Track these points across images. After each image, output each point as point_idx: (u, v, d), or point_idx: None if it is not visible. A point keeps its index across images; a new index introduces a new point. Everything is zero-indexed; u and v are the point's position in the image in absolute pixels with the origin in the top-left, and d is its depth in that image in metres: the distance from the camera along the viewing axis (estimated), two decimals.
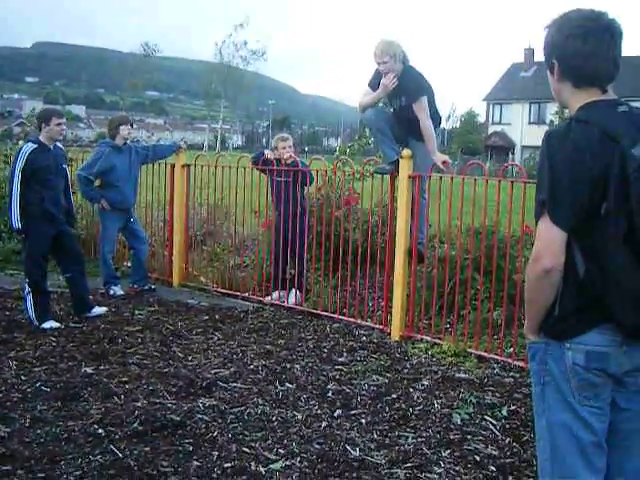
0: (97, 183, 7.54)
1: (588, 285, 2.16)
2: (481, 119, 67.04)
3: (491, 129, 58.51)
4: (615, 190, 2.07)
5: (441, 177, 6.04)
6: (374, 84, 6.21)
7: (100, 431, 4.04)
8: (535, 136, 52.50)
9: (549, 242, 2.16)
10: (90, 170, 7.39)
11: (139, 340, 5.88)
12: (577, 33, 2.21)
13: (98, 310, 6.59)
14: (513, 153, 54.70)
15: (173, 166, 8.24)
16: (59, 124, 6.29)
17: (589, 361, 2.19)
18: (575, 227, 2.14)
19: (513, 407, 4.53)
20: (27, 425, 4.10)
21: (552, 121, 50.82)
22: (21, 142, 6.80)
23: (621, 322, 2.12)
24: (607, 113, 2.20)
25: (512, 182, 5.55)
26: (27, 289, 6.23)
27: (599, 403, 2.24)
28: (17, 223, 6.07)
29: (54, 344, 5.72)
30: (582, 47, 2.20)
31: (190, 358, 5.43)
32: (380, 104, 6.50)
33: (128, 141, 7.73)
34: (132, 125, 7.79)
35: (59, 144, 6.56)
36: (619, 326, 2.14)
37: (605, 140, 2.10)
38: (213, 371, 5.12)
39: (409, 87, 5.99)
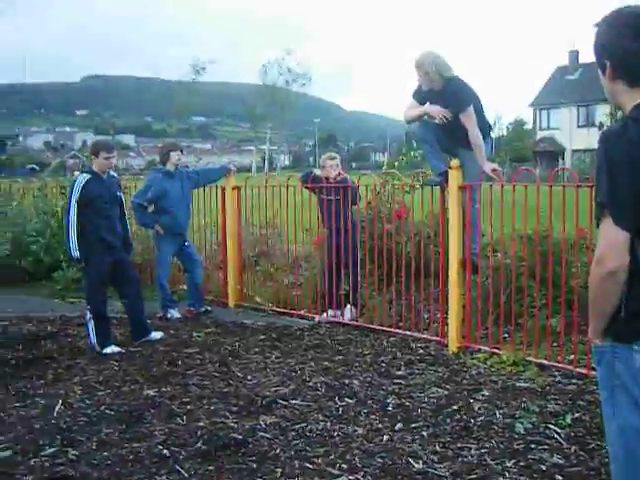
0: (150, 209, 7.70)
1: None
2: (528, 125, 66.25)
3: (539, 135, 57.72)
4: None
5: (491, 185, 6.00)
6: (419, 96, 6.21)
7: (165, 452, 4.10)
8: (585, 139, 51.76)
9: (612, 243, 2.12)
10: (144, 197, 7.56)
11: (198, 361, 5.96)
12: (628, 32, 2.19)
13: (156, 335, 6.70)
14: (563, 158, 53.86)
15: (224, 189, 8.36)
16: (107, 158, 6.44)
17: None
18: (637, 226, 2.10)
19: (577, 415, 4.45)
20: (94, 448, 4.19)
21: (602, 123, 49.98)
22: (76, 173, 6.98)
23: None
24: None
25: (564, 186, 5.49)
26: (88, 315, 6.38)
27: None
28: (75, 252, 6.23)
29: (116, 368, 5.84)
30: (634, 45, 2.18)
31: (249, 377, 5.48)
32: (426, 116, 6.50)
33: (179, 166, 7.88)
34: (182, 151, 7.95)
35: (113, 172, 6.72)
36: None
37: None
38: (272, 389, 5.16)
39: (454, 98, 5.97)
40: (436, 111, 6.02)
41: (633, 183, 2.07)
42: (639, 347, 2.18)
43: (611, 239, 2.12)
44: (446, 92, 5.99)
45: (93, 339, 6.34)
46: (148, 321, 6.93)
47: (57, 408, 4.89)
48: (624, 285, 2.15)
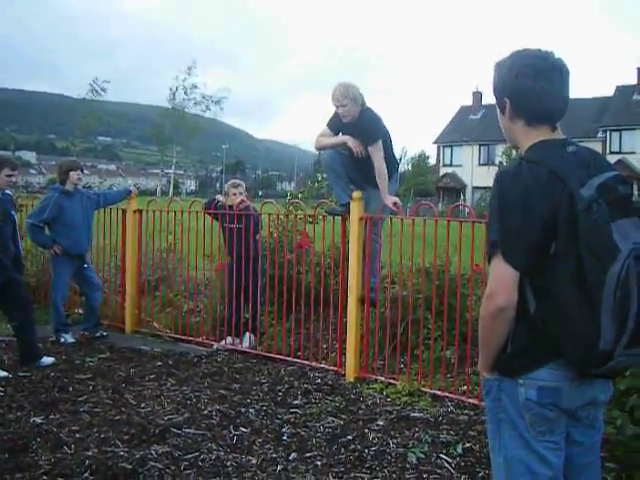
0: (46, 230, 7.46)
1: (539, 323, 2.18)
2: (432, 161, 68.18)
3: (442, 171, 59.49)
4: (564, 230, 2.10)
5: (391, 219, 6.12)
6: (333, 125, 6.29)
7: None
8: (485, 177, 53.72)
9: (502, 281, 2.17)
10: (40, 217, 7.30)
11: (90, 388, 5.77)
12: (528, 72, 2.26)
13: (47, 360, 6.45)
14: (464, 194, 55.60)
15: (125, 211, 8.20)
16: (9, 175, 6.24)
17: (541, 396, 2.21)
18: (526, 265, 2.16)
19: (468, 444, 4.55)
20: None
21: (500, 162, 52.01)
22: None
23: (571, 359, 2.15)
24: (556, 153, 2.23)
25: (461, 222, 5.66)
26: None
27: (554, 437, 2.26)
28: None
29: (1, 394, 5.58)
30: (533, 85, 2.25)
31: (143, 405, 5.35)
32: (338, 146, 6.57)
33: (79, 186, 7.68)
34: (82, 170, 7.74)
35: (8, 190, 6.49)
36: (569, 362, 2.17)
37: (554, 180, 2.13)
38: (166, 417, 5.05)
39: (366, 130, 6.07)
40: (355, 145, 6.10)
41: (524, 224, 2.13)
42: (523, 381, 2.24)
43: (501, 276, 2.18)
44: (359, 123, 6.09)
45: None
46: (39, 345, 6.67)
47: None
48: (512, 321, 2.21)
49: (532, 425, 2.25)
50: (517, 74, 2.28)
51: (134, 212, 8.12)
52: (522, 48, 2.35)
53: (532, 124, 2.32)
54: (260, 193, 77.78)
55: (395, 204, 6.01)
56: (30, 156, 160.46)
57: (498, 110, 2.41)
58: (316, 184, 9.24)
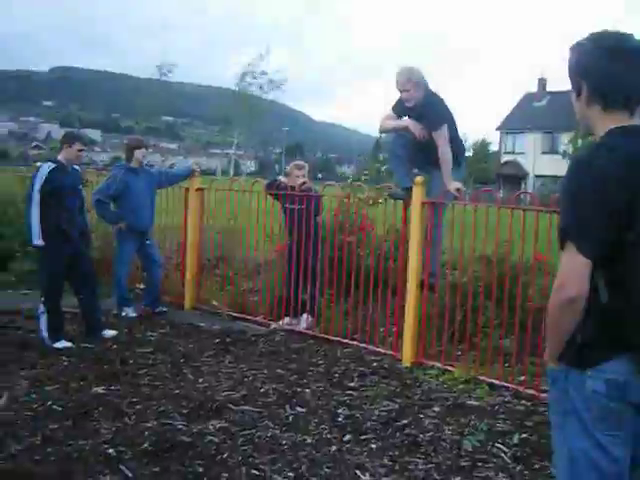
0: (112, 206, 7.61)
1: (611, 314, 2.13)
2: (494, 148, 67.17)
3: (504, 158, 58.57)
4: None
5: (453, 205, 6.05)
6: (398, 109, 6.25)
7: (110, 451, 4.05)
8: (547, 165, 52.65)
9: (573, 271, 2.11)
10: (106, 192, 7.46)
11: (150, 362, 5.90)
12: (607, 54, 2.19)
13: (109, 333, 6.62)
14: (526, 182, 54.68)
15: (187, 190, 8.30)
16: (81, 150, 6.42)
17: (610, 389, 2.16)
18: (599, 255, 2.10)
19: (524, 435, 4.50)
20: (38, 443, 4.12)
21: (565, 151, 50.89)
22: (38, 163, 6.88)
23: None
24: (633, 140, 2.17)
25: (524, 210, 5.57)
26: (42, 308, 6.28)
27: (621, 432, 2.20)
28: (38, 240, 6.13)
29: (66, 364, 5.75)
30: (612, 68, 2.18)
31: (201, 380, 5.44)
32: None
33: (143, 164, 7.81)
34: (147, 148, 7.88)
35: (76, 166, 6.65)
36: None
37: (631, 168, 2.07)
38: (224, 393, 5.13)
39: (430, 115, 6.01)
40: (417, 129, 6.06)
41: (598, 211, 2.07)
42: (592, 373, 2.18)
43: (572, 267, 2.12)
44: (423, 108, 6.03)
45: (44, 333, 6.24)
46: (102, 318, 6.84)
47: (1, 401, 4.79)
48: (582, 312, 2.16)
49: (598, 418, 2.19)
50: (596, 56, 2.21)
51: (196, 190, 8.21)
52: (601, 30, 2.28)
53: (609, 109, 2.23)
54: (319, 175, 77.85)
55: (458, 190, 5.94)
56: (95, 134, 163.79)
57: (573, 94, 2.33)
58: (377, 165, 9.17)
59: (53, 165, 6.27)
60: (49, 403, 4.79)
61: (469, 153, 71.41)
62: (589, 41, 2.27)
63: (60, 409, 4.69)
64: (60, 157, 6.39)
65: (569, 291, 2.12)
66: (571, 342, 2.21)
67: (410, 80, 5.97)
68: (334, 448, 4.24)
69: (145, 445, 4.13)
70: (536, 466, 4.07)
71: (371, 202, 7.26)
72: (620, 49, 2.20)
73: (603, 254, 2.11)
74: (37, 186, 6.15)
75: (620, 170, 2.08)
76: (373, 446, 4.29)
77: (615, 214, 2.07)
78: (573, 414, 2.23)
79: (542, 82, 60.18)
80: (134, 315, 7.53)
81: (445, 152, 5.98)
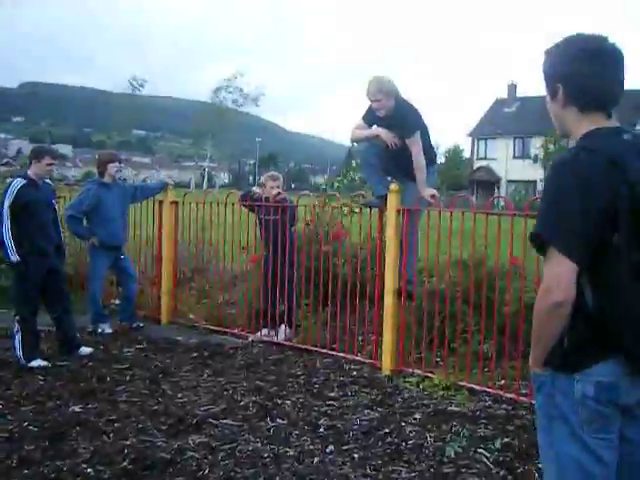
0: (84, 222, 7.54)
1: (597, 317, 2.11)
2: (466, 154, 67.71)
3: (476, 164, 59.02)
4: (626, 222, 2.03)
5: (429, 211, 6.06)
6: (369, 118, 6.25)
7: (89, 470, 3.98)
8: (520, 170, 53.20)
9: (559, 275, 2.08)
10: (78, 208, 7.38)
11: (128, 378, 5.82)
12: (583, 56, 2.19)
13: (85, 350, 6.53)
14: (498, 187, 55.11)
15: (161, 203, 8.24)
16: (50, 164, 6.31)
17: (599, 392, 2.14)
18: (584, 259, 2.08)
19: (506, 439, 4.50)
20: (14, 465, 4.04)
21: (536, 155, 51.42)
22: (8, 179, 6.78)
23: (632, 353, 2.09)
24: (612, 141, 2.16)
25: (499, 215, 5.59)
26: (16, 327, 6.17)
27: (609, 435, 2.19)
28: (15, 256, 6.04)
29: (41, 382, 5.65)
30: (589, 70, 2.18)
31: (180, 395, 5.38)
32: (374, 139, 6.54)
33: (116, 179, 7.74)
34: (120, 162, 7.81)
35: (48, 180, 6.56)
36: (628, 357, 2.11)
37: (612, 169, 2.06)
38: (203, 408, 5.07)
39: (403, 123, 6.02)
40: (389, 137, 6.07)
41: (582, 214, 2.05)
42: (580, 377, 2.16)
43: (558, 271, 2.09)
44: (395, 116, 6.04)
45: (19, 352, 6.13)
46: (77, 335, 6.75)
47: None
48: (568, 316, 2.13)
49: (587, 422, 2.17)
50: (571, 59, 2.21)
51: (171, 203, 8.16)
52: (575, 33, 2.28)
53: (586, 111, 2.23)
54: (293, 186, 77.93)
55: (433, 196, 5.96)
56: (66, 149, 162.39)
57: (548, 97, 2.32)
58: (350, 173, 9.19)
59: (23, 181, 6.19)
60: (25, 423, 4.69)
61: (441, 160, 71.95)
62: (564, 44, 2.27)
63: (36, 429, 4.60)
64: (30, 172, 6.30)
65: (556, 296, 2.09)
66: (557, 346, 2.19)
67: (381, 90, 5.97)
68: (317, 459, 4.20)
69: (124, 463, 4.06)
70: (519, 470, 4.07)
71: (345, 211, 7.25)
72: (595, 51, 2.20)
73: (588, 257, 2.09)
74: (7, 202, 6.06)
75: (602, 172, 2.07)
76: (356, 456, 4.27)
77: (599, 216, 2.06)
78: (560, 418, 2.21)
79: (512, 87, 60.86)
80: (110, 331, 7.44)
81: (419, 160, 6.00)
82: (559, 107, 2.30)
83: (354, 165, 9.06)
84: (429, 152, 6.20)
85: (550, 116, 2.37)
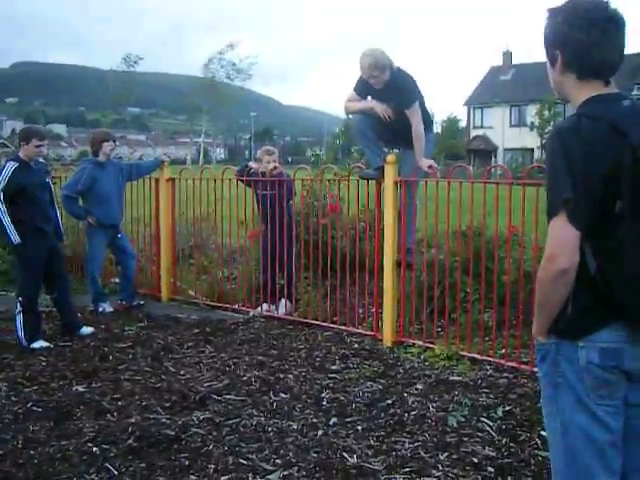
0: (81, 202, 7.51)
1: (601, 284, 2.11)
2: (462, 123, 67.48)
3: (473, 133, 58.84)
4: (629, 188, 2.03)
5: (426, 181, 6.04)
6: (360, 89, 6.18)
7: (94, 449, 4.00)
8: (516, 138, 53.04)
9: (564, 241, 2.07)
10: (74, 188, 7.34)
11: (130, 356, 5.84)
12: (582, 23, 2.15)
13: (86, 330, 6.54)
14: (495, 156, 55.00)
15: (157, 180, 8.21)
16: (38, 146, 6.25)
17: (604, 358, 2.14)
18: (587, 226, 2.08)
19: (508, 408, 4.52)
20: (20, 446, 4.06)
21: (532, 123, 51.26)
22: (2, 161, 6.75)
23: (636, 319, 2.09)
24: (613, 108, 2.15)
25: (497, 184, 5.57)
26: (18, 309, 6.17)
27: (614, 401, 2.18)
28: (16, 238, 6.01)
29: (44, 364, 5.67)
30: (588, 37, 2.15)
31: (182, 372, 5.40)
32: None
33: (111, 157, 7.70)
34: (115, 141, 7.76)
35: (41, 159, 6.52)
36: (631, 323, 2.11)
37: (615, 136, 2.05)
38: (206, 384, 5.10)
39: (399, 93, 5.95)
40: (382, 109, 6.01)
41: (587, 180, 2.04)
42: (585, 344, 2.16)
43: (563, 237, 2.08)
44: (392, 87, 5.96)
45: (21, 333, 6.14)
46: (78, 315, 6.76)
47: None
48: (572, 283, 2.13)
49: (592, 389, 2.17)
50: (570, 25, 2.18)
51: (167, 181, 8.13)
52: None
53: (584, 78, 2.21)
54: (290, 159, 77.65)
55: (430, 167, 5.93)
56: (61, 129, 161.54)
57: (548, 63, 2.30)
58: (337, 141, 9.13)
59: (15, 164, 6.14)
60: (29, 404, 4.72)
61: (438, 130, 71.66)
62: (563, 9, 2.23)
63: (41, 410, 4.62)
64: (21, 155, 6.26)
65: (560, 263, 2.08)
66: (561, 314, 2.18)
67: (376, 66, 5.85)
68: (320, 432, 4.23)
69: (129, 441, 4.08)
70: (521, 438, 4.09)
71: (338, 179, 7.11)
72: (594, 18, 2.16)
73: (592, 224, 2.08)
74: (1, 186, 6.03)
75: (605, 138, 2.06)
76: (359, 428, 4.29)
77: (603, 183, 2.05)
78: (565, 386, 2.21)
79: (508, 55, 60.48)
80: (111, 310, 7.45)
81: (419, 130, 5.95)
82: (558, 74, 2.28)
83: (339, 136, 8.99)
84: (426, 118, 6.14)
85: (549, 82, 2.35)
